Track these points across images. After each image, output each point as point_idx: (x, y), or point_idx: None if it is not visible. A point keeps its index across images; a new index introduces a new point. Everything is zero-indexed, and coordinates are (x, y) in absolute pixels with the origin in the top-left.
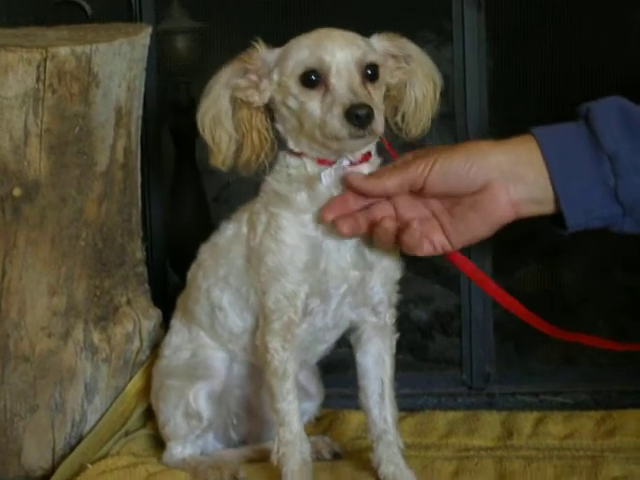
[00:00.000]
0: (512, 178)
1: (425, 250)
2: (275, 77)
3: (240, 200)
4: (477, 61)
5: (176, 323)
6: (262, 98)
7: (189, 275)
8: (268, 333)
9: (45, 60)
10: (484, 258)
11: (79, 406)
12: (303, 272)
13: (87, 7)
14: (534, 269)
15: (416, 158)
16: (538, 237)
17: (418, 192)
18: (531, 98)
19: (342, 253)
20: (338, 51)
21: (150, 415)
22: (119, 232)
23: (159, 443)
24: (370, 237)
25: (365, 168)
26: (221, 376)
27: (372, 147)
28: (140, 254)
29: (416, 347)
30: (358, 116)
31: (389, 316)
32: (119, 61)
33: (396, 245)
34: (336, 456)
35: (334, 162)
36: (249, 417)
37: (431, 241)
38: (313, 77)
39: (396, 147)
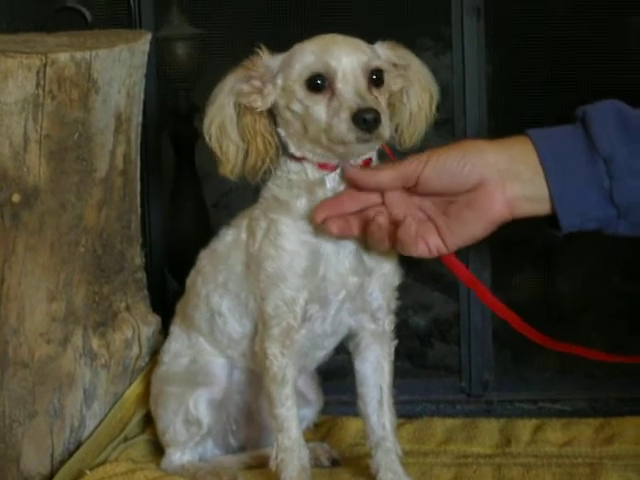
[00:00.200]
0: (508, 176)
1: (420, 250)
2: (279, 82)
3: (240, 206)
4: (476, 68)
5: (175, 329)
6: (265, 103)
7: (188, 281)
8: (267, 339)
9: (45, 66)
10: (482, 267)
11: (78, 412)
12: (302, 278)
13: (87, 13)
14: (531, 277)
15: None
16: (535, 245)
17: (412, 189)
18: (530, 105)
19: (341, 259)
20: (344, 56)
21: (149, 421)
22: (118, 238)
23: (158, 449)
24: (366, 240)
25: None
26: (222, 383)
27: (373, 153)
28: (139, 260)
29: (415, 354)
30: (366, 120)
31: (388, 322)
32: (119, 67)
33: (394, 250)
34: (334, 463)
35: (335, 167)
36: (248, 423)
37: (426, 243)
38: (319, 81)
39: (396, 153)
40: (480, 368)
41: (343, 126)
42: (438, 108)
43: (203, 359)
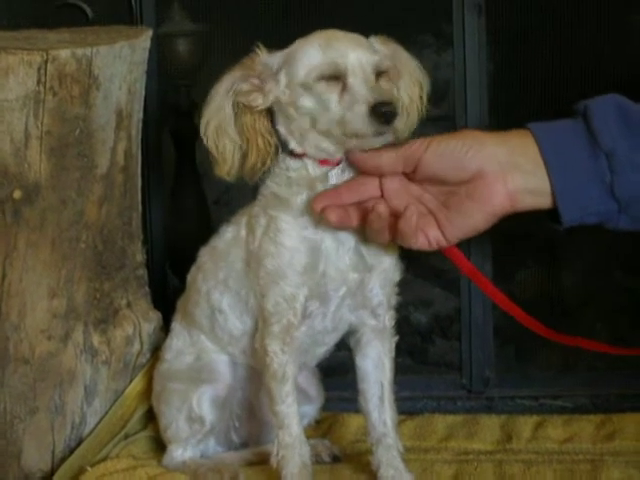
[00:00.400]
0: (509, 168)
1: (420, 243)
2: (282, 79)
3: (240, 203)
4: (477, 65)
5: (176, 326)
6: (266, 101)
7: (189, 278)
8: (267, 336)
9: (46, 62)
10: (484, 260)
11: (79, 408)
12: (302, 275)
13: (88, 10)
14: (532, 270)
15: None
16: (537, 239)
17: (411, 176)
18: (531, 102)
19: (341, 255)
20: (350, 51)
21: (150, 418)
22: (119, 235)
23: (159, 446)
24: (365, 232)
25: None
26: (226, 380)
27: None
28: (140, 257)
29: (416, 350)
30: (384, 113)
31: (388, 318)
32: (120, 64)
33: (394, 245)
34: (335, 459)
35: (337, 163)
36: (250, 419)
37: (426, 235)
38: (330, 78)
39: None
40: (481, 364)
41: (359, 119)
42: (430, 99)
43: (207, 356)
